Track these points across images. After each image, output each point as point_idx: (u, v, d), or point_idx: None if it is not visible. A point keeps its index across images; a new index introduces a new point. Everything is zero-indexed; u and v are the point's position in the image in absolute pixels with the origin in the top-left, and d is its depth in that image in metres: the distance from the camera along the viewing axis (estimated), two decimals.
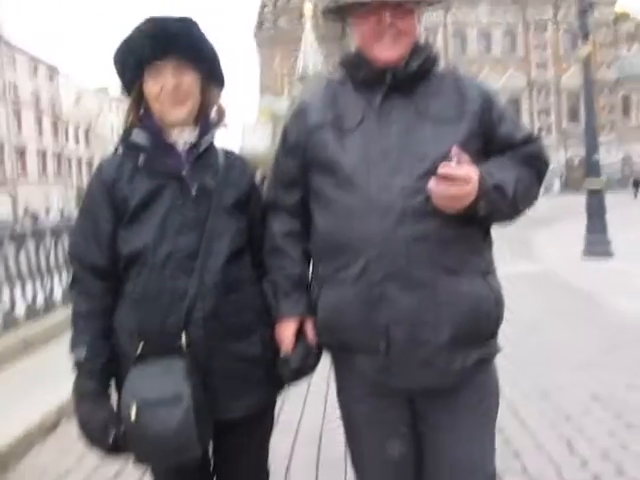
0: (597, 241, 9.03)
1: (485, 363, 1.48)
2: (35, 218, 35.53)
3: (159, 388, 1.40)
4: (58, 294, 6.03)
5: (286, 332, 1.53)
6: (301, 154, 1.52)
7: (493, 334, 1.48)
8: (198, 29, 1.56)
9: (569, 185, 41.91)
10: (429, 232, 1.36)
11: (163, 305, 1.47)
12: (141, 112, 1.58)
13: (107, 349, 1.52)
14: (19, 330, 5.24)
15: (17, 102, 50.12)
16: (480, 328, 1.42)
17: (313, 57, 42.14)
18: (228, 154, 1.65)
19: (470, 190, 1.32)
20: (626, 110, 50.20)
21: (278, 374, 1.55)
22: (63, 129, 57.53)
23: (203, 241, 1.49)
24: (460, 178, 1.30)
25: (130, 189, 1.51)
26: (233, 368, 1.51)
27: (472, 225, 1.40)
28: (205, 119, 1.60)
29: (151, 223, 1.49)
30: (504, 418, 3.16)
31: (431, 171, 1.33)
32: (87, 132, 62.38)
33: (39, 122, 53.76)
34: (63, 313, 5.69)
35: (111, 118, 62.56)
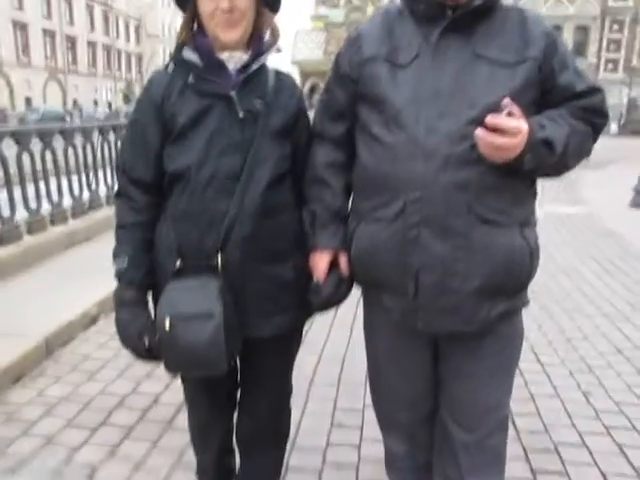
0: None
1: (511, 314, 1.49)
2: (80, 110, 35.89)
3: (193, 304, 1.46)
4: (102, 192, 6.20)
5: (320, 263, 1.56)
6: (352, 85, 1.48)
7: (523, 287, 1.48)
8: None
9: (627, 127, 39.77)
10: (471, 180, 1.33)
11: (202, 225, 1.50)
12: (195, 29, 1.55)
13: (147, 261, 1.58)
14: (65, 225, 5.45)
15: None
16: (510, 280, 1.42)
17: None
18: (279, 75, 1.62)
19: (517, 143, 1.28)
20: None
21: (308, 301, 1.59)
22: (114, 22, 56.73)
23: (246, 165, 1.50)
24: (509, 130, 1.26)
25: (179, 107, 1.51)
26: (265, 290, 1.56)
27: (516, 176, 1.36)
28: (258, 42, 1.56)
29: (197, 143, 1.50)
30: (525, 361, 3.23)
31: (480, 118, 1.29)
32: (137, 28, 61.37)
33: (90, 13, 53.03)
34: (107, 211, 5.89)
35: (162, 14, 61.12)
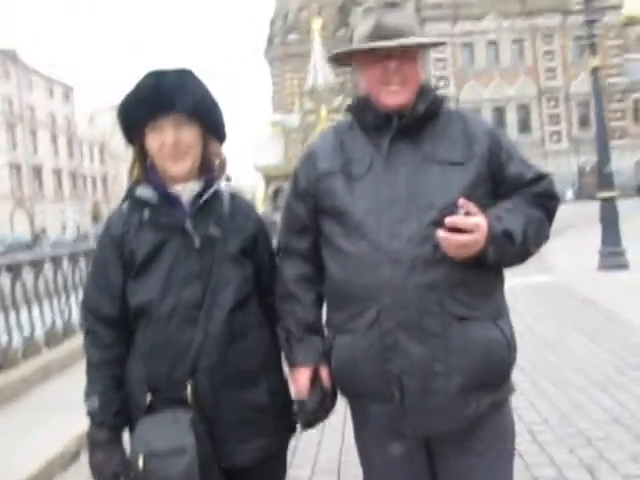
0: (612, 253, 8.94)
1: (499, 405, 1.49)
2: (46, 237, 36.10)
3: (165, 439, 1.45)
4: (76, 318, 6.09)
5: (300, 380, 1.55)
6: (311, 200, 1.54)
7: (505, 378, 1.48)
8: (199, 83, 1.60)
9: (582, 192, 41.61)
10: (439, 280, 1.37)
11: (169, 357, 1.51)
12: (147, 164, 1.62)
13: (119, 399, 1.57)
14: (39, 357, 5.30)
15: (33, 123, 51.00)
16: (492, 374, 1.43)
17: (322, 71, 42.39)
18: (234, 197, 1.67)
19: (478, 238, 1.34)
20: (637, 116, 49.77)
21: (289, 420, 1.57)
22: (78, 147, 58.37)
23: (208, 292, 1.52)
24: (468, 228, 1.32)
25: (137, 243, 1.56)
26: (240, 416, 1.54)
27: (482, 270, 1.41)
28: (208, 171, 1.63)
29: (156, 276, 1.54)
30: (523, 443, 3.15)
31: (439, 219, 1.35)
32: (101, 150, 63.16)
33: (55, 141, 54.61)
34: (82, 338, 5.75)
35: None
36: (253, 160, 44.47)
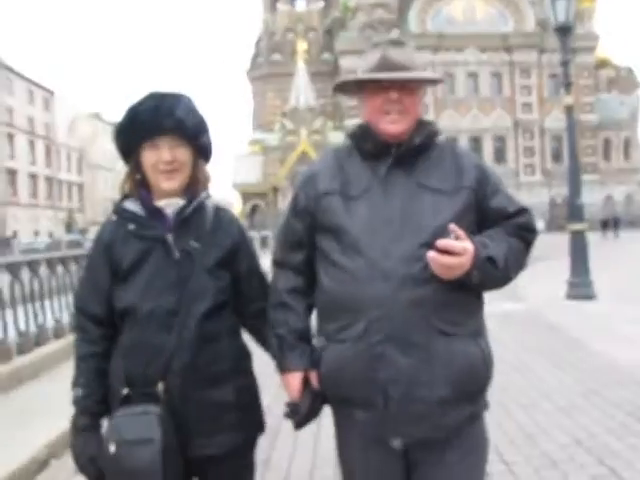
0: (580, 284, 9.20)
1: (475, 418, 1.59)
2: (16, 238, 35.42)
3: (135, 430, 1.57)
4: (50, 325, 6.03)
5: (294, 383, 1.64)
6: (310, 218, 1.64)
7: (483, 391, 1.60)
8: (195, 108, 1.73)
9: (553, 223, 42.61)
10: (426, 297, 1.48)
11: (146, 356, 1.64)
12: (137, 177, 1.74)
13: (100, 390, 1.70)
14: (11, 362, 5.23)
15: (11, 125, 50.27)
16: (471, 385, 1.54)
17: (305, 92, 42.88)
18: (218, 212, 1.79)
19: (465, 261, 1.45)
20: (607, 152, 51.38)
21: (255, 418, 1.73)
22: (56, 153, 57.58)
23: (183, 301, 1.65)
24: (457, 251, 1.44)
25: (123, 251, 1.69)
26: (206, 412, 1.67)
27: (466, 291, 1.53)
28: (193, 188, 1.75)
29: (138, 283, 1.67)
30: (491, 463, 3.20)
31: (429, 241, 1.46)
32: (80, 160, 62.38)
33: (32, 146, 53.84)
34: (55, 345, 5.70)
35: (104, 144, 62.57)
36: (231, 176, 44.48)
